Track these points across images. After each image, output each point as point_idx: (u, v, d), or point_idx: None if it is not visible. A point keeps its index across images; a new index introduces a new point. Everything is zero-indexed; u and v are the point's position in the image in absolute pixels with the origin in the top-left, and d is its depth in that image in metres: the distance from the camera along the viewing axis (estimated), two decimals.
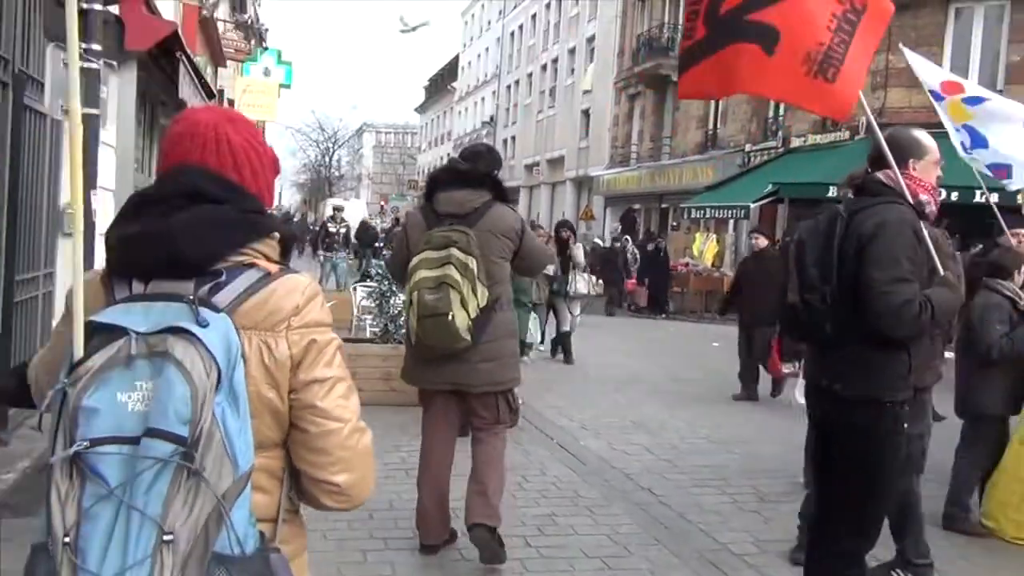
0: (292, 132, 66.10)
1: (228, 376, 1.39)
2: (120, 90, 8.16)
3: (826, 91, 3.61)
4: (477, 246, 3.97)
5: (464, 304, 3.90)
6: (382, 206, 61.33)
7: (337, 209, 20.36)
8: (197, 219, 1.49)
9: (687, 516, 5.21)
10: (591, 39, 36.08)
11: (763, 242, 9.55)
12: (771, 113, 23.05)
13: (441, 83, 65.56)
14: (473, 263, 3.92)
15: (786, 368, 8.10)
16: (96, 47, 4.22)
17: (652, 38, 28.67)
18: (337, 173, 73.80)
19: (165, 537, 1.30)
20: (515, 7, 47.32)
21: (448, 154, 60.64)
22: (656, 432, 7.47)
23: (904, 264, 3.05)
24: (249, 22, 29.00)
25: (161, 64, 8.85)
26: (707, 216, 22.32)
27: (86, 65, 4.23)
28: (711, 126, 26.17)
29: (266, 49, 25.02)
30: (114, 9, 4.57)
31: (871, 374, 3.12)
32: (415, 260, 4.03)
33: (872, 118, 3.88)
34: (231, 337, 1.42)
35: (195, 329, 1.37)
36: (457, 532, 4.43)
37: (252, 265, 1.55)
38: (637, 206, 29.33)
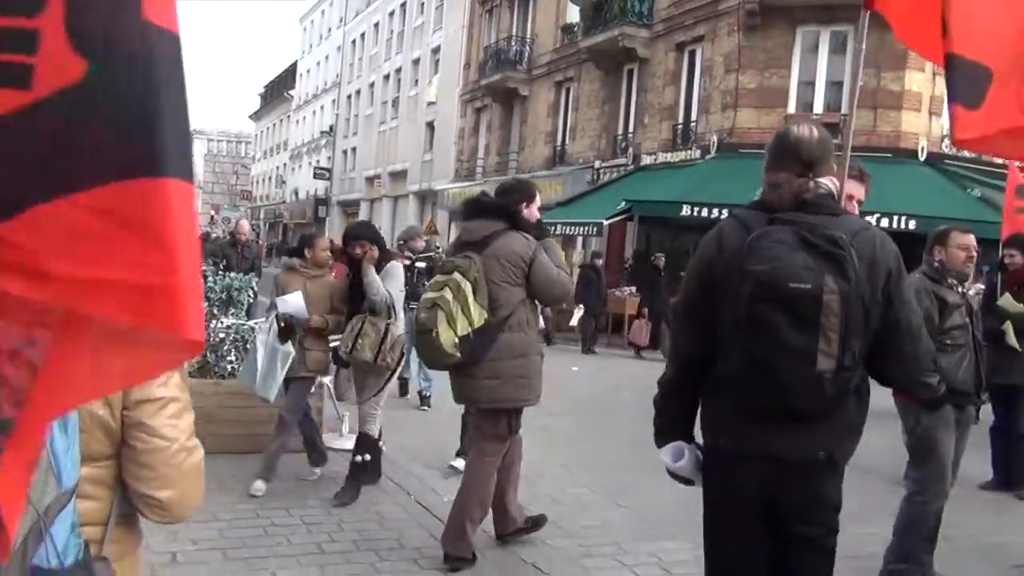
0: None
1: None
2: None
3: None
4: (479, 271, 4.21)
5: (452, 323, 4.12)
6: (212, 216, 58.13)
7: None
8: None
9: None
10: (436, 50, 35.14)
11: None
12: (620, 130, 22.81)
13: (277, 90, 62.87)
14: (467, 286, 4.16)
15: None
16: None
17: (500, 50, 28.04)
18: None
19: None
20: (356, 15, 45.79)
21: (284, 163, 58.27)
22: (532, 480, 6.46)
23: None
24: None
25: None
26: (557, 233, 21.73)
27: None
28: (560, 142, 25.70)
29: None
30: None
31: (858, 434, 2.58)
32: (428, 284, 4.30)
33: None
34: None
35: None
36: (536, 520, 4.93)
37: None
38: None
